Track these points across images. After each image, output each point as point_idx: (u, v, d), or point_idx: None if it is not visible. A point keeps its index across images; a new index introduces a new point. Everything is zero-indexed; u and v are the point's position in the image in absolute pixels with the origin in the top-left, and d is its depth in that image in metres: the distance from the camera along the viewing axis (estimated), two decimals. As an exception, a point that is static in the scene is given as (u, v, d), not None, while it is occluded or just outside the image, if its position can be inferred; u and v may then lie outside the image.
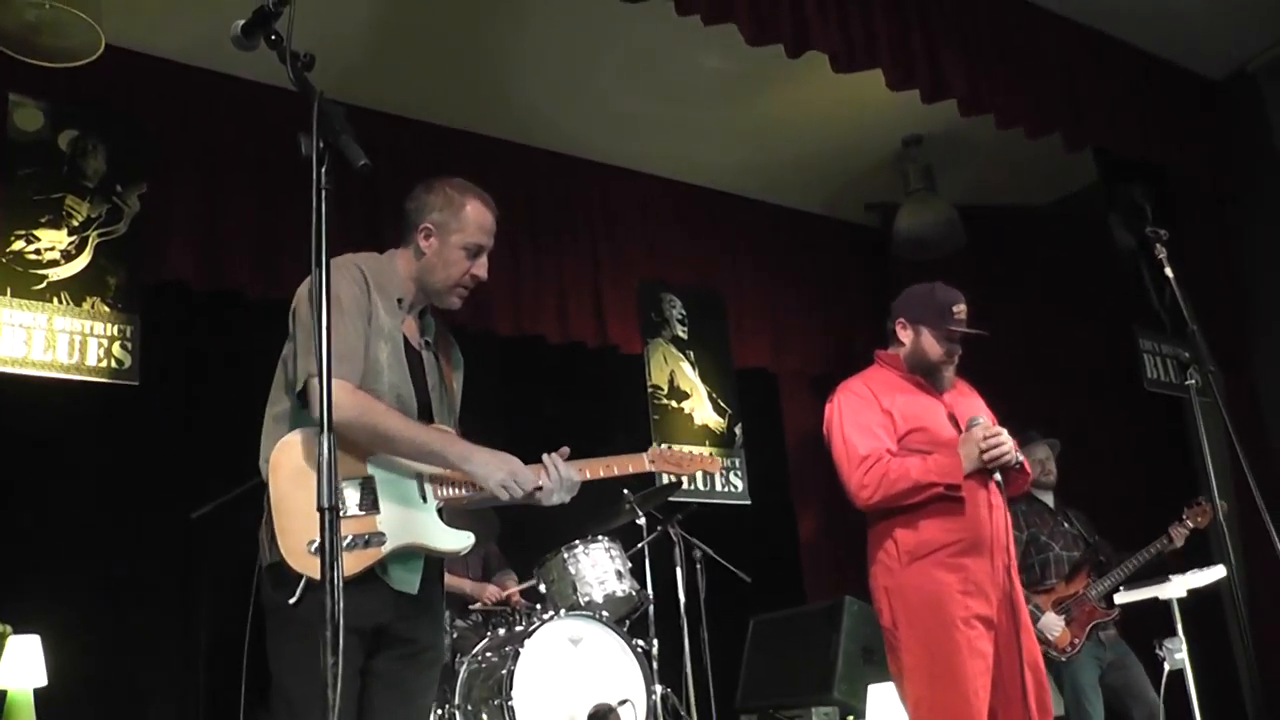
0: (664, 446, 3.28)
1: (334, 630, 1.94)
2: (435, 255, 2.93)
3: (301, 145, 2.25)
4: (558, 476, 2.85)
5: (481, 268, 2.97)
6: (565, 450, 2.92)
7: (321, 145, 2.25)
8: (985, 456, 3.57)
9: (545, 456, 2.88)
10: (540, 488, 2.81)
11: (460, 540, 2.76)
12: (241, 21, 2.40)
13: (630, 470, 3.08)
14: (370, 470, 2.68)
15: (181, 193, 5.63)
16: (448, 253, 2.93)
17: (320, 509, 2.07)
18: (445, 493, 2.77)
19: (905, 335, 3.88)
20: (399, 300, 2.90)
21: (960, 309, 3.81)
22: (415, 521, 2.71)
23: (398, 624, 2.71)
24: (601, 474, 2.99)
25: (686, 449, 3.31)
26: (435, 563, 2.83)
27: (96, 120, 5.40)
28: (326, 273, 2.21)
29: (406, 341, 2.89)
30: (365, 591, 2.59)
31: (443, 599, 2.98)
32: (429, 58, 6.07)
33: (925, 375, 3.84)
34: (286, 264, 5.67)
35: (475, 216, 2.95)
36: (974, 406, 3.90)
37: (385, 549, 2.62)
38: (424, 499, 2.74)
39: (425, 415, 2.86)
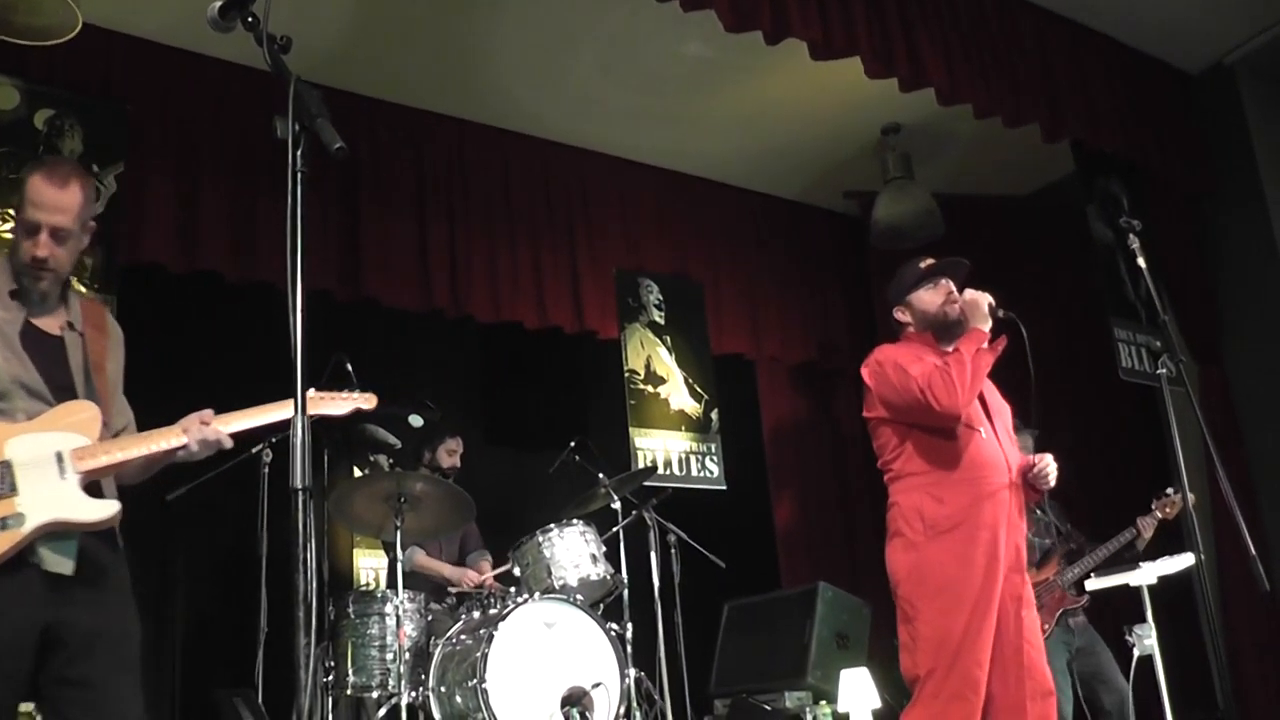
0: (321, 394, 3.17)
1: (306, 609, 1.94)
2: (13, 237, 2.86)
3: (277, 128, 2.26)
4: (199, 439, 2.83)
5: (41, 246, 2.81)
6: (209, 412, 2.89)
7: (297, 128, 2.26)
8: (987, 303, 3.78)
9: (186, 420, 2.86)
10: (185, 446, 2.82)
11: (103, 509, 2.71)
12: (218, 3, 2.40)
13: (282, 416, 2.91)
14: (8, 455, 2.64)
15: (158, 174, 5.60)
16: (15, 234, 2.83)
17: (292, 489, 2.08)
18: (87, 465, 2.71)
19: (905, 314, 4.00)
20: (10, 293, 2.83)
21: (926, 261, 3.97)
22: (54, 498, 2.65)
23: (64, 614, 2.63)
24: (245, 423, 2.90)
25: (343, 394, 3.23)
26: (96, 541, 2.75)
27: (73, 100, 5.37)
28: (302, 257, 2.21)
29: (37, 329, 2.84)
30: (15, 580, 2.56)
31: (117, 576, 2.85)
32: (407, 41, 6.04)
33: (944, 334, 3.91)
34: (263, 247, 5.64)
35: (31, 192, 2.80)
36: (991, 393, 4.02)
37: (25, 529, 2.58)
38: (62, 474, 2.68)
39: (69, 395, 2.81)
